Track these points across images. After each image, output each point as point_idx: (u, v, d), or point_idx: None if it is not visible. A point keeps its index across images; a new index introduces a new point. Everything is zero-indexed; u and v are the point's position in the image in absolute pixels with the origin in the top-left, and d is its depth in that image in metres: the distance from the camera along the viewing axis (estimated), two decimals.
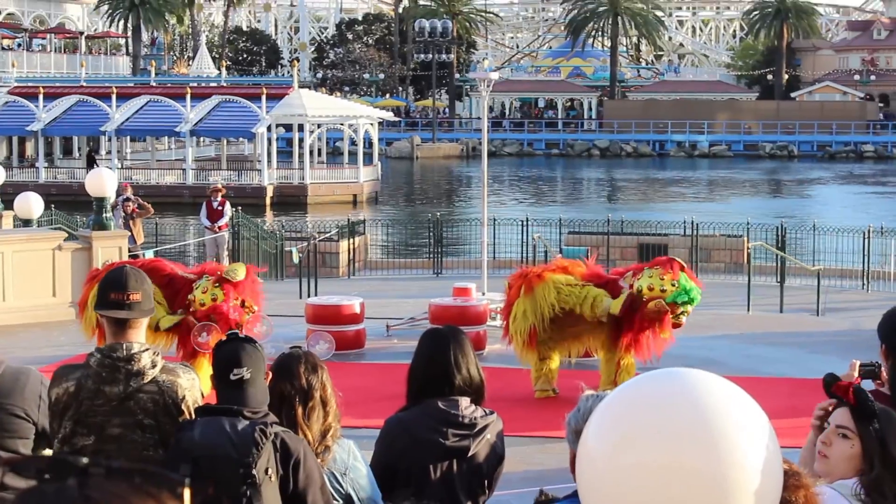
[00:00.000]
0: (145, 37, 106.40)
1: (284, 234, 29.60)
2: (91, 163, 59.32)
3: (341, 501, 5.25)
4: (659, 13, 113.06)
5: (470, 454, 5.46)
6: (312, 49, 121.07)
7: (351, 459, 5.41)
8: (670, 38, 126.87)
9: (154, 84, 65.16)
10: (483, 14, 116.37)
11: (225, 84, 66.86)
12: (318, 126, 58.29)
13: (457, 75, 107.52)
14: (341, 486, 5.33)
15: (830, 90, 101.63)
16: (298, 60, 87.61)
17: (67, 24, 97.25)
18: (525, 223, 28.98)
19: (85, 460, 1.60)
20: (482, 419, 5.51)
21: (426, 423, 5.46)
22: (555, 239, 29.42)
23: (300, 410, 5.23)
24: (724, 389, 2.77)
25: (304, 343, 15.17)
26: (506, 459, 5.72)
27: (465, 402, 5.49)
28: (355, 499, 5.37)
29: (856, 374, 5.95)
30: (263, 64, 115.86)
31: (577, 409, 4.16)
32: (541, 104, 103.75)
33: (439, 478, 5.44)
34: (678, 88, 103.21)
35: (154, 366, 5.24)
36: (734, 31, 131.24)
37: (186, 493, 1.63)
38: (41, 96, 57.16)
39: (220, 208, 27.87)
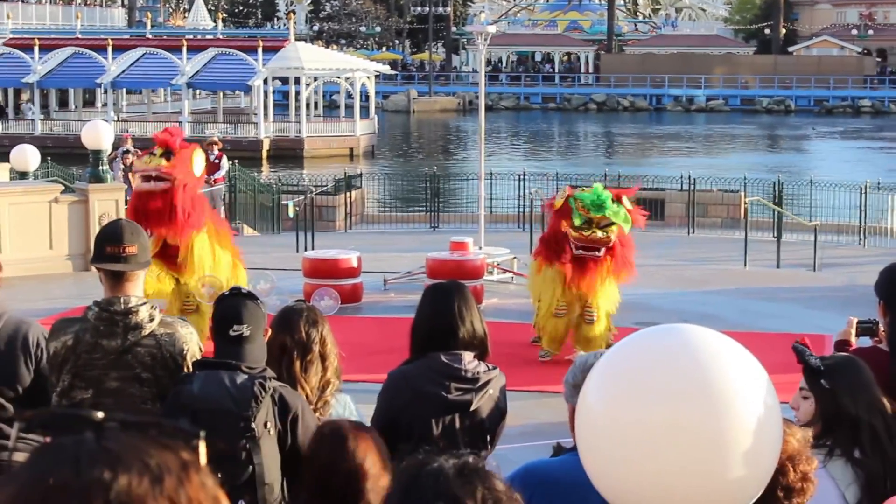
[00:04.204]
0: None
1: (281, 187, 29.53)
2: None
3: None
4: None
5: (472, 409, 5.46)
6: (309, 1, 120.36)
7: (346, 414, 5.41)
8: None
9: (150, 36, 64.78)
10: None
11: (221, 36, 66.49)
12: (315, 79, 58.01)
13: (453, 28, 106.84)
14: None
15: (828, 45, 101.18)
16: (294, 13, 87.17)
17: None
18: (522, 177, 28.92)
19: (101, 414, 1.60)
20: (485, 374, 5.51)
21: (429, 376, 5.45)
22: (552, 193, 29.34)
23: (298, 364, 5.25)
24: (722, 345, 2.77)
25: (308, 298, 15.16)
26: None
27: (468, 356, 5.48)
28: None
29: (853, 332, 5.98)
30: (259, 16, 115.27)
31: (575, 363, 4.17)
32: (538, 58, 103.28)
33: (441, 432, 5.43)
34: (675, 42, 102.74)
35: (152, 319, 5.25)
36: None
37: (202, 446, 1.63)
38: (37, 48, 56.81)
39: (216, 161, 27.63)
